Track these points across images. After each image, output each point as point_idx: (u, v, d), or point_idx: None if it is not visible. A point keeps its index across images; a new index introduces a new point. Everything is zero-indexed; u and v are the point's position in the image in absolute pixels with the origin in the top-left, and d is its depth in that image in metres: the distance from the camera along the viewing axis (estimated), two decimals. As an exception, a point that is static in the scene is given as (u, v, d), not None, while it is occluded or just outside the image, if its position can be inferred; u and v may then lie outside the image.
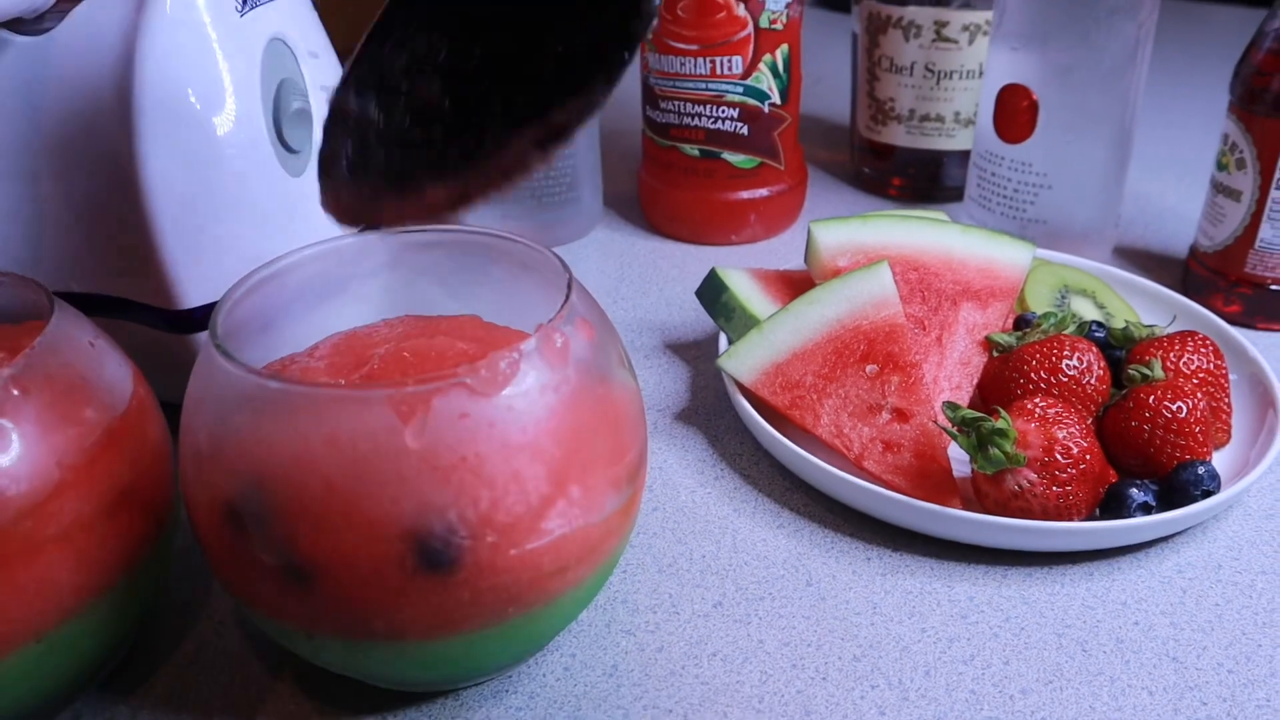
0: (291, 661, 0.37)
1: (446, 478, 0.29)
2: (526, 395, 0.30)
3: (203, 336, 0.43)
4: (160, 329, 0.43)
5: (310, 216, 0.46)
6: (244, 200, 0.43)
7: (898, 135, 0.67)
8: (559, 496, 0.31)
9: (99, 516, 0.32)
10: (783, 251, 0.65)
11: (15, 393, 0.31)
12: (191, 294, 0.42)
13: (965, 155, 0.67)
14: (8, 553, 0.30)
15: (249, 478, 0.30)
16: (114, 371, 0.36)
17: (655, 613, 0.39)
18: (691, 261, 0.63)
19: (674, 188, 0.64)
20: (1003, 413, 0.39)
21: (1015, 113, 0.57)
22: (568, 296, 0.33)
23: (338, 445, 0.29)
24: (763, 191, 0.63)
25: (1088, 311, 0.52)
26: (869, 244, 0.49)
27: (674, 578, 0.40)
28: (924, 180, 0.68)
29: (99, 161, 0.41)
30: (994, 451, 0.39)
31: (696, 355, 0.54)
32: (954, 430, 0.40)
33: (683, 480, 0.45)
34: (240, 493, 0.30)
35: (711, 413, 0.49)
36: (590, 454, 0.32)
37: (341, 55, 0.50)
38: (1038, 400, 0.40)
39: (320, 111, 0.47)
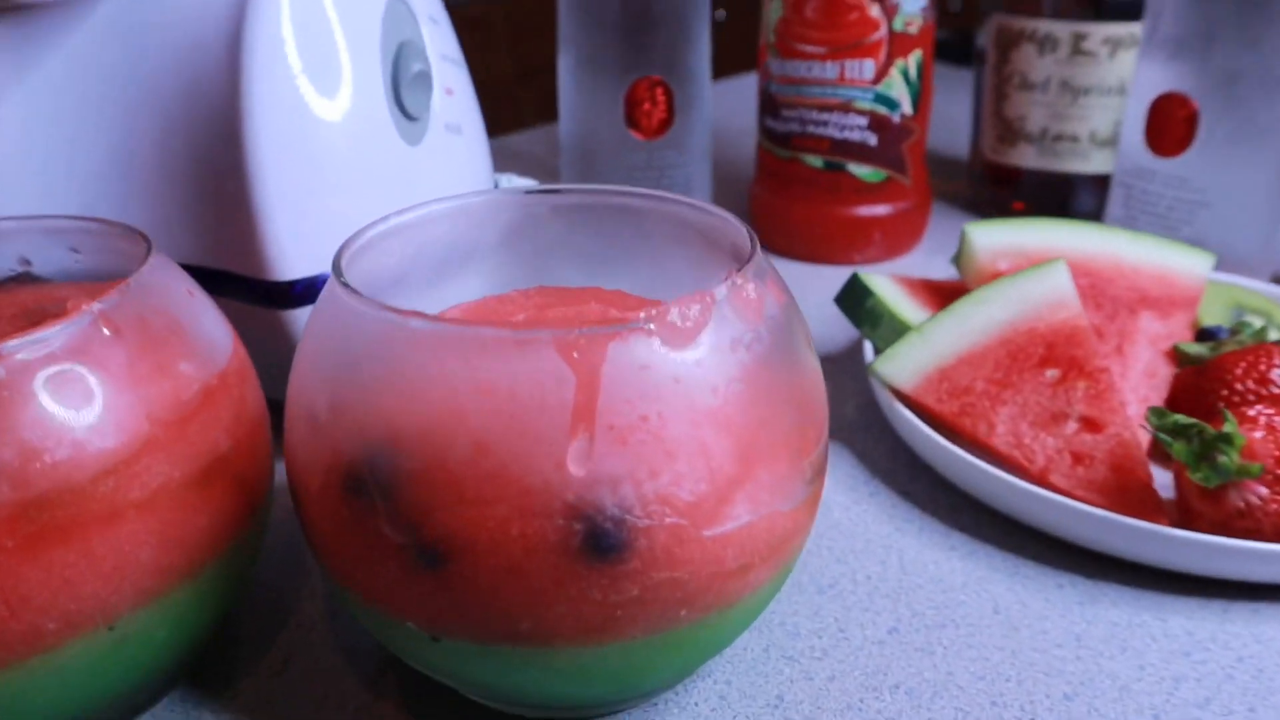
0: (395, 675, 0.31)
1: (623, 440, 0.24)
2: (718, 351, 0.25)
3: (302, 312, 0.39)
4: (256, 303, 0.38)
5: (427, 187, 0.41)
6: (357, 167, 0.39)
7: (1027, 156, 0.62)
8: (747, 478, 0.26)
9: (189, 486, 0.27)
10: (909, 274, 0.59)
11: (105, 331, 0.27)
12: (294, 265, 0.37)
13: (1097, 180, 0.62)
14: (84, 516, 0.25)
15: (379, 437, 0.25)
16: (212, 326, 0.31)
17: (820, 638, 0.33)
18: (811, 279, 0.58)
19: (793, 202, 0.59)
20: (1229, 416, 0.34)
21: (1171, 124, 0.52)
22: (753, 249, 0.28)
23: (494, 395, 0.24)
24: (887, 208, 0.58)
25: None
26: (1030, 247, 0.44)
27: (837, 600, 0.34)
28: (1051, 206, 0.63)
29: (201, 120, 0.37)
30: (1221, 460, 0.33)
31: (831, 368, 0.49)
32: (1167, 438, 0.35)
33: (834, 497, 0.40)
34: (367, 455, 0.25)
35: (855, 427, 0.44)
36: (781, 432, 0.27)
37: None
38: (1261, 408, 0.35)
39: (440, 79, 0.43)
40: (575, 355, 0.24)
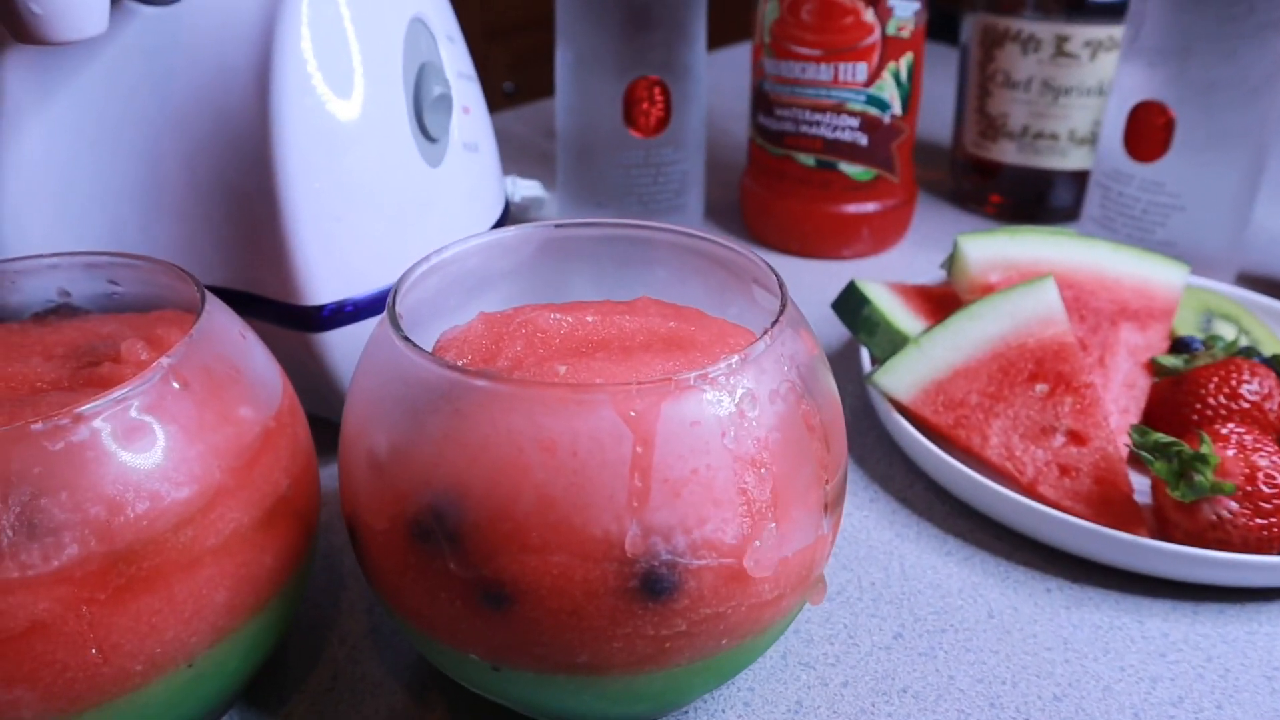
0: (439, 688, 0.34)
1: (676, 492, 0.26)
2: (758, 403, 0.27)
3: (329, 336, 0.40)
4: (285, 326, 0.39)
5: (448, 209, 0.43)
6: (381, 190, 0.40)
7: (1007, 153, 0.64)
8: (783, 516, 0.28)
9: (257, 526, 0.29)
10: (893, 267, 0.62)
11: (175, 385, 0.28)
12: (322, 289, 0.39)
13: (1075, 176, 0.64)
14: (165, 566, 0.27)
15: (445, 488, 0.27)
16: (265, 367, 0.32)
17: (833, 644, 0.36)
18: (803, 274, 0.61)
19: (785, 198, 0.61)
20: (1204, 437, 0.36)
21: (1150, 130, 0.54)
22: (784, 302, 0.30)
23: (556, 451, 0.26)
24: (876, 205, 0.60)
25: (1232, 337, 0.50)
26: (1020, 260, 0.47)
27: (846, 606, 0.37)
28: (1029, 200, 0.66)
29: (229, 143, 0.38)
30: (1198, 479, 0.36)
31: (826, 371, 0.51)
32: (1148, 456, 0.37)
33: (837, 503, 0.42)
34: (433, 505, 0.27)
35: (854, 432, 0.47)
36: (810, 470, 0.29)
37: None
38: (1232, 426, 0.38)
39: (458, 98, 0.44)
40: (632, 414, 0.26)
